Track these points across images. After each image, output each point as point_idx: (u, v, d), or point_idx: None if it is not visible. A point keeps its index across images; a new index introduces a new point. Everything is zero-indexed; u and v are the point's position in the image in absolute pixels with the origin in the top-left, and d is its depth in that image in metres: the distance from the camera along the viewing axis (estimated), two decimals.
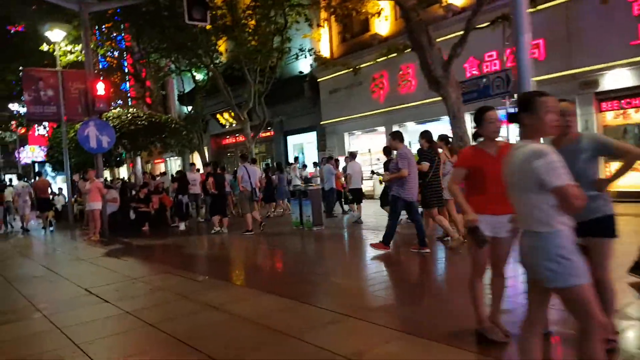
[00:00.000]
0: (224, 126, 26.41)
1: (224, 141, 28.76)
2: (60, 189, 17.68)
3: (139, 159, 14.21)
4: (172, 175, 27.77)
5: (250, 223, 10.43)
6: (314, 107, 20.79)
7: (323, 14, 17.78)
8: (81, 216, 16.17)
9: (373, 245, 7.17)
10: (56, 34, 14.18)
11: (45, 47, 14.53)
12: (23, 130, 36.27)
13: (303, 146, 22.50)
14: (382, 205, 10.24)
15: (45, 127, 37.00)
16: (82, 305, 5.26)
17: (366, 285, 5.51)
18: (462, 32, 10.44)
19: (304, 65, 20.51)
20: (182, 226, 12.63)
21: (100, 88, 10.92)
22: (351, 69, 15.76)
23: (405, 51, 12.84)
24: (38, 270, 7.78)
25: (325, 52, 19.53)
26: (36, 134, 39.71)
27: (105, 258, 8.50)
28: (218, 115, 25.26)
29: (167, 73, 23.61)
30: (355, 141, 19.48)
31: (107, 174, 20.66)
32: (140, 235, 11.72)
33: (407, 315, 4.36)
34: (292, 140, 22.98)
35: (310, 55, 17.58)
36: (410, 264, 6.72)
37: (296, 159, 18.32)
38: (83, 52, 14.73)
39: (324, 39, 19.51)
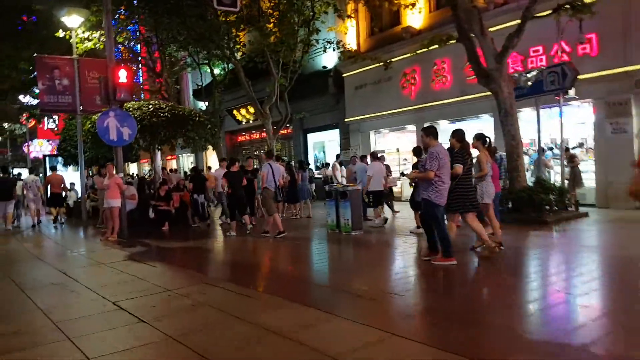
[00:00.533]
0: (239, 122, 25.51)
1: (239, 138, 27.91)
2: (72, 184, 16.81)
3: (158, 154, 13.31)
4: (185, 173, 27.06)
5: (279, 224, 9.55)
6: (337, 104, 19.87)
7: (351, 5, 16.92)
8: (94, 213, 15.35)
9: (437, 261, 6.27)
10: (73, 20, 13.31)
11: (61, 34, 13.66)
12: (32, 123, 35.59)
13: (324, 145, 21.56)
14: (413, 208, 9.31)
15: (54, 121, 36.38)
16: (114, 326, 4.35)
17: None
18: (505, 25, 9.51)
19: (327, 59, 19.60)
20: (203, 226, 11.77)
21: (122, 75, 10.02)
22: (380, 64, 14.89)
23: (449, 42, 11.89)
24: (54, 275, 6.88)
25: (351, 46, 18.60)
26: (45, 127, 39.14)
27: (128, 263, 7.60)
28: (235, 111, 24.37)
29: (183, 67, 22.80)
30: (382, 140, 18.54)
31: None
32: (161, 236, 10.83)
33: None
34: (313, 138, 22.05)
35: (338, 48, 16.63)
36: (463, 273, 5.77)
37: (338, 156, 17.40)
38: (102, 39, 13.91)
39: (351, 33, 18.55)
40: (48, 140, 42.94)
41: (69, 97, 13.47)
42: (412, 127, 17.00)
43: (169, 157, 33.77)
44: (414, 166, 8.94)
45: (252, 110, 21.61)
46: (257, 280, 6.51)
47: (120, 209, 10.33)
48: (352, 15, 15.77)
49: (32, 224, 14.32)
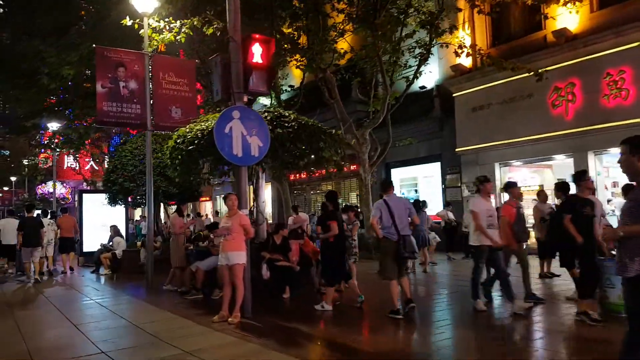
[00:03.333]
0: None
1: (290, 176, 24.07)
2: (114, 229, 12.83)
3: (262, 183, 9.28)
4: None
5: (396, 296, 6.27)
6: (440, 131, 16.13)
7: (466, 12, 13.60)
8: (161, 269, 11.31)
9: None
10: (145, 3, 9.72)
11: (128, 22, 10.07)
12: (49, 162, 31.92)
13: (417, 182, 17.61)
14: (565, 265, 6.50)
15: (75, 158, 32.73)
16: None
17: None
18: None
19: (424, 79, 16.00)
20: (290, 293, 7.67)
21: (257, 53, 6.23)
22: (513, 78, 11.30)
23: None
24: None
25: (463, 61, 15.10)
26: (65, 166, 35.50)
27: None
28: None
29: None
30: (513, 175, 14.61)
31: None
32: (293, 312, 6.74)
33: None
34: (399, 174, 18.11)
35: (464, 52, 12.68)
36: None
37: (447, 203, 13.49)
38: (184, 29, 10.30)
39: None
40: (62, 182, 39.33)
41: (137, 107, 9.74)
42: (561, 158, 13.16)
43: (203, 199, 29.75)
44: (561, 207, 6.56)
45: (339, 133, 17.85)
46: None
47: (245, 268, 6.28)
48: (482, 11, 12.26)
49: (44, 272, 12.06)
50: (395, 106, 13.59)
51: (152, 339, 5.38)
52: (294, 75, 18.79)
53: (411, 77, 13.19)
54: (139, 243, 12.43)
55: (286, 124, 7.73)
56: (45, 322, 6.69)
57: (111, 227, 12.67)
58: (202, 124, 8.06)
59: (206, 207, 30.89)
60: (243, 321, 6.03)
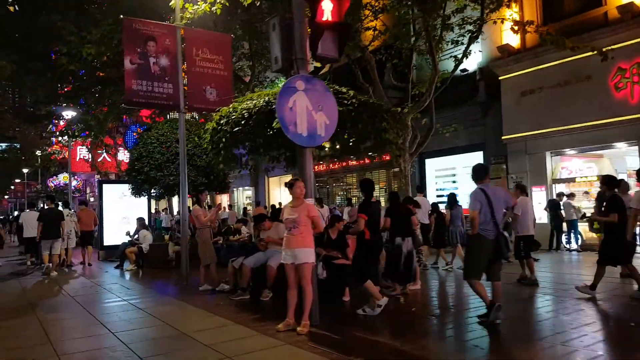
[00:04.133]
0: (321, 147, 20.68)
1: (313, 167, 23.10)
2: (141, 221, 11.91)
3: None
4: (243, 210, 22.06)
5: (485, 295, 5.37)
6: (483, 118, 15.03)
7: None
8: (177, 263, 10.44)
9: None
10: None
11: None
12: (63, 153, 31.16)
13: (455, 173, 16.53)
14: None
15: (88, 150, 31.96)
16: None
17: None
18: None
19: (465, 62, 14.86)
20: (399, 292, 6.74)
21: (327, 9, 5.19)
22: (569, 59, 10.13)
23: None
24: None
25: (511, 41, 14.01)
26: (77, 157, 34.71)
27: None
28: None
29: None
30: (565, 165, 13.52)
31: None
32: (364, 318, 5.74)
33: None
34: (435, 165, 17.06)
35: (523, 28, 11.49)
36: None
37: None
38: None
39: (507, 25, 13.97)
40: (74, 175, 38.60)
41: (169, 86, 8.76)
42: (622, 146, 12.06)
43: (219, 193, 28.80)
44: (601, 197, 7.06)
45: None
46: None
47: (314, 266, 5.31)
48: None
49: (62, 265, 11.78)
50: (440, 89, 12.49)
51: (212, 355, 4.42)
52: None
53: (459, 56, 12.08)
54: (166, 236, 11.51)
55: (345, 101, 6.72)
56: (77, 328, 5.76)
57: (138, 219, 11.75)
58: (248, 102, 7.07)
59: (223, 200, 30.03)
60: (313, 331, 5.06)
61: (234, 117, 6.94)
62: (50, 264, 10.74)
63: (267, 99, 6.71)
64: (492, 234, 5.29)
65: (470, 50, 12.37)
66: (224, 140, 6.97)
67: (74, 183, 39.33)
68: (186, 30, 9.04)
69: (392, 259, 6.88)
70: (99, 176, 35.21)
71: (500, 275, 5.55)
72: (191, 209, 9.57)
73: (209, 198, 26.46)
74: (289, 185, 5.39)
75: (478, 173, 5.75)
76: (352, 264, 6.46)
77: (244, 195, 28.51)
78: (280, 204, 22.29)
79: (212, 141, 7.35)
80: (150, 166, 11.17)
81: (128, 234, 11.89)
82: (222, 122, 7.10)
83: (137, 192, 12.01)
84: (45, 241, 10.68)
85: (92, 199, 43.56)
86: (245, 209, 23.39)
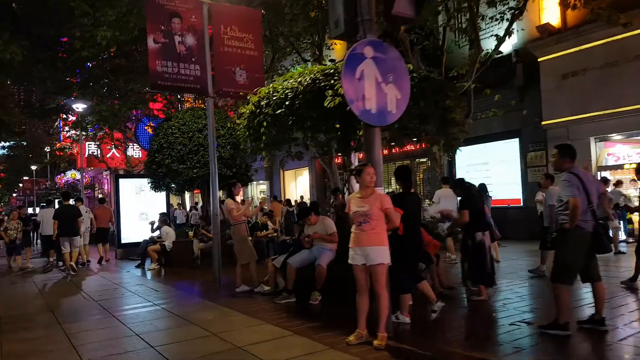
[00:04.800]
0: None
1: (337, 157, 22.25)
2: (163, 216, 11.17)
3: (354, 157, 7.43)
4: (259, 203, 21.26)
5: (567, 306, 4.59)
6: (521, 102, 14.13)
7: None
8: (203, 262, 9.74)
9: None
10: None
11: None
12: (73, 149, 30.44)
13: (487, 162, 15.64)
14: None
15: (98, 145, 31.31)
16: None
17: None
18: None
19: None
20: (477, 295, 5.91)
21: None
22: (607, 39, 9.15)
23: None
24: None
25: (551, 19, 13.11)
26: (87, 153, 34.06)
27: None
28: None
29: None
30: (614, 151, 12.63)
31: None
32: (442, 327, 4.95)
33: None
34: (465, 153, 16.12)
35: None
36: None
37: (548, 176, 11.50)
38: None
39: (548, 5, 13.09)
40: (81, 171, 38.04)
41: (196, 68, 7.94)
42: None
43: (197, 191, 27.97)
44: None
45: None
46: None
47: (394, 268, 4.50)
48: None
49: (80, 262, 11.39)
50: (480, 70, 11.62)
51: None
52: (335, 49, 16.80)
53: (501, 34, 11.18)
54: (190, 233, 10.75)
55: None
56: (111, 341, 4.98)
57: (160, 214, 10.99)
58: (290, 81, 6.26)
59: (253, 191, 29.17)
60: (390, 344, 4.27)
61: (276, 97, 6.14)
62: (72, 264, 10.43)
63: (314, 76, 5.90)
64: (591, 225, 4.48)
65: (513, 28, 11.51)
66: (264, 124, 6.16)
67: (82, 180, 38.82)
68: (213, 5, 8.22)
69: (475, 257, 5.98)
70: (106, 173, 34.54)
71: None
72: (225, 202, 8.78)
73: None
74: (357, 172, 4.57)
75: (568, 152, 4.77)
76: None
77: (257, 190, 27.75)
78: (301, 197, 21.53)
79: (250, 126, 6.55)
80: (172, 158, 10.38)
81: (152, 224, 11.16)
82: (262, 103, 6.29)
83: (157, 186, 11.24)
84: (62, 238, 10.45)
85: (100, 196, 43.06)
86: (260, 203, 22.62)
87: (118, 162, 30.97)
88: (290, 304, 6.17)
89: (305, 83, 5.90)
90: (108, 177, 42.66)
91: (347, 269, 4.55)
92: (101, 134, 20.75)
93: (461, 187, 6.24)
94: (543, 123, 13.26)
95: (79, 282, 9.23)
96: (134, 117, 20.99)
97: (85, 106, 15.83)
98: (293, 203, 17.15)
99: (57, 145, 34.76)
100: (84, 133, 18.13)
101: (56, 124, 36.42)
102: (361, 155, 7.26)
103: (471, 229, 5.93)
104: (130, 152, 29.49)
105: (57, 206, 13.08)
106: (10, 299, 7.89)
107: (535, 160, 13.86)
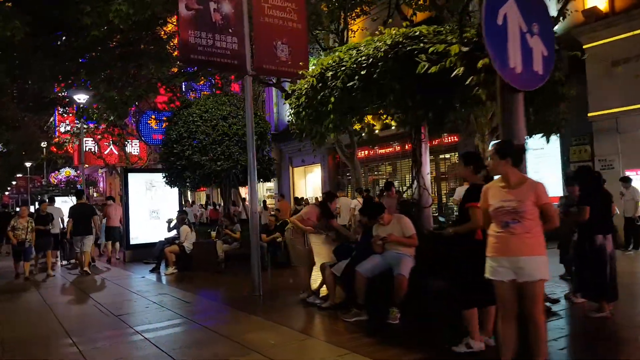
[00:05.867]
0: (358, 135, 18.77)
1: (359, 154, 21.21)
2: (182, 214, 10.02)
3: (425, 146, 6.28)
4: (263, 202, 20.20)
5: None
6: (562, 93, 13.10)
7: None
8: (228, 265, 8.63)
9: None
10: None
11: None
12: (70, 143, 29.05)
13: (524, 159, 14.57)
14: None
15: (95, 142, 30.00)
16: None
17: None
18: None
19: None
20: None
21: None
22: None
23: None
24: None
25: (598, 3, 12.11)
26: (84, 149, 32.70)
27: None
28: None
29: None
30: None
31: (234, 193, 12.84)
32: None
33: None
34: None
35: None
36: None
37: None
38: None
39: None
40: (76, 169, 36.81)
41: (234, 41, 6.80)
42: None
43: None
44: None
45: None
46: None
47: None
48: None
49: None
50: None
51: None
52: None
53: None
54: (213, 233, 9.59)
55: None
56: None
57: (178, 212, 9.84)
58: (361, 49, 5.16)
59: (241, 192, 28.07)
60: None
61: (344, 68, 5.02)
62: (87, 269, 9.79)
63: (398, 39, 4.79)
64: None
65: (567, 9, 10.48)
66: (332, 99, 5.03)
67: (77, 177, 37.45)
68: None
69: (595, 265, 4.87)
70: (102, 170, 33.17)
71: None
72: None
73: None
74: (500, 152, 3.39)
75: None
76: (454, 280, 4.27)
77: (264, 188, 26.58)
78: (324, 195, 20.46)
79: (308, 104, 5.42)
80: (194, 149, 9.21)
81: (169, 222, 10.03)
82: (327, 75, 5.16)
83: (174, 181, 10.04)
84: (75, 238, 9.94)
85: (95, 194, 41.66)
86: (264, 202, 21.53)
87: (116, 159, 29.88)
88: (362, 322, 5.06)
89: (384, 48, 4.80)
90: (104, 174, 41.34)
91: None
92: (102, 127, 19.47)
93: (585, 176, 5.17)
94: (590, 115, 12.25)
95: (91, 290, 8.05)
96: (136, 110, 19.78)
97: (87, 96, 14.63)
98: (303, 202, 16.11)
99: (55, 140, 33.39)
100: (84, 126, 16.86)
101: (51, 119, 35.06)
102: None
103: (591, 230, 4.85)
104: (128, 148, 28.31)
105: (56, 204, 12.19)
106: (14, 314, 6.68)
107: (580, 155, 12.85)
